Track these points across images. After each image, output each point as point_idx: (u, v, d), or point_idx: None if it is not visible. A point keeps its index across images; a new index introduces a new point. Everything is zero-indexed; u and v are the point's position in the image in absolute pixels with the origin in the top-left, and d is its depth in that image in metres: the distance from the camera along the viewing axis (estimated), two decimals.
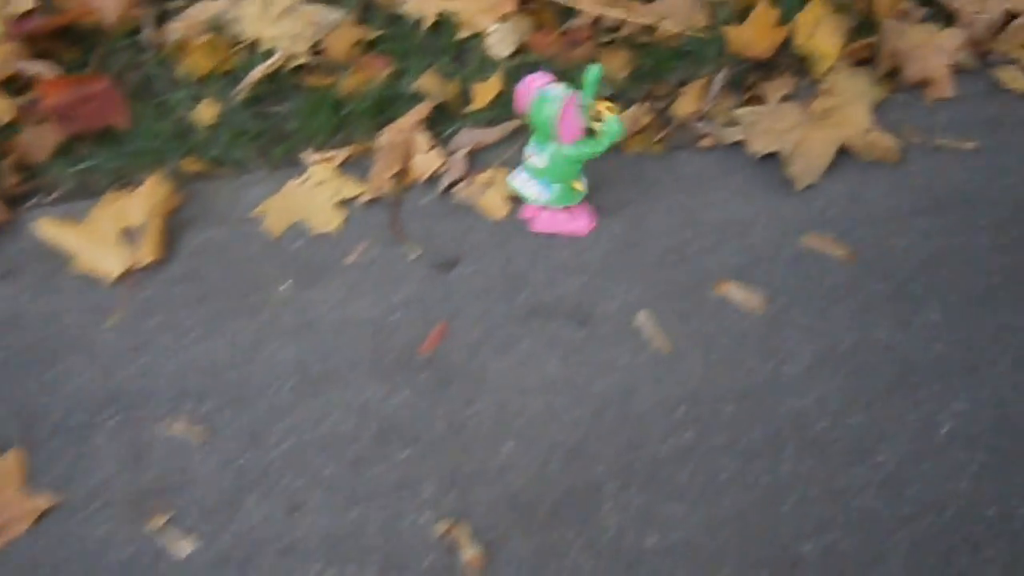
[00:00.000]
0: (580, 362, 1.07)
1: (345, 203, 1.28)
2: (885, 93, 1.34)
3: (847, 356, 1.03)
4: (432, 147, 1.31)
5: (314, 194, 1.30)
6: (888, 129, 1.26)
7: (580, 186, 1.18)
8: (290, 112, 1.39)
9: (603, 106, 1.11)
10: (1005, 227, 1.14)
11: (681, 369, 1.05)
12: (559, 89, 1.09)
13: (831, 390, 1.00)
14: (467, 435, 1.03)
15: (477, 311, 1.14)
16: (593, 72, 1.07)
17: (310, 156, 1.34)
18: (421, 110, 1.35)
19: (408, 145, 1.32)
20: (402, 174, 1.30)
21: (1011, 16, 1.37)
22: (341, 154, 1.34)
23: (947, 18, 1.40)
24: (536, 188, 1.18)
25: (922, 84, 1.33)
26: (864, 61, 1.39)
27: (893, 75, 1.35)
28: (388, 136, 1.33)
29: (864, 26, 1.41)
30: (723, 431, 0.99)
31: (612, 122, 1.10)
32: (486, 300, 1.15)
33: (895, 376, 1.01)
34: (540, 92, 1.10)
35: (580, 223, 1.21)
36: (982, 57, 1.36)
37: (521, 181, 1.19)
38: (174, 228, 1.24)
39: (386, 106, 1.38)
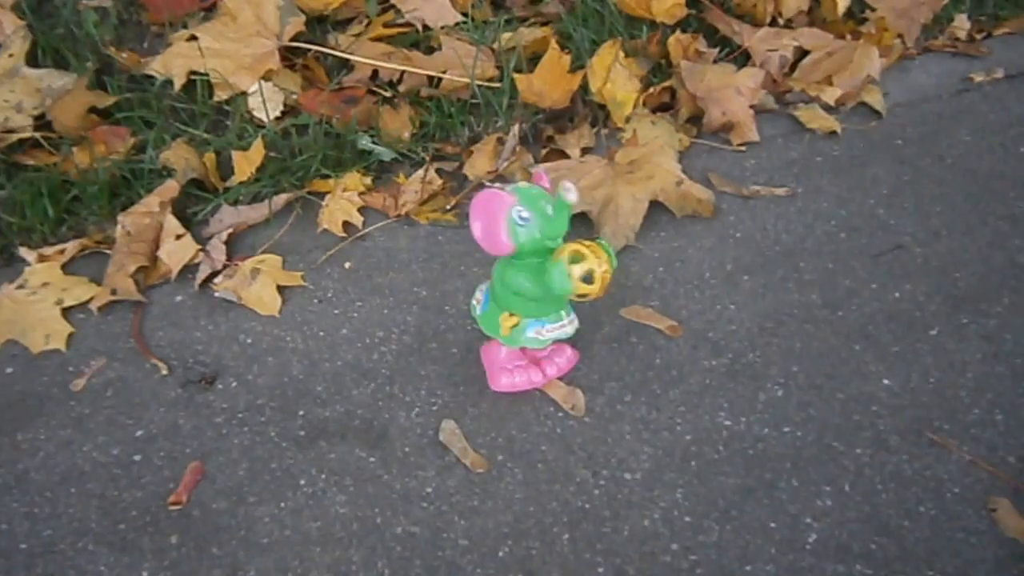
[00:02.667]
0: (375, 497, 0.77)
1: (74, 311, 0.93)
2: (689, 140, 1.13)
3: (690, 453, 0.79)
4: (183, 233, 0.98)
5: (33, 302, 0.93)
6: (698, 179, 1.06)
7: (507, 326, 0.78)
8: (5, 200, 1.01)
9: (578, 247, 0.72)
10: (833, 279, 0.96)
11: (501, 492, 0.77)
12: (521, 190, 0.73)
13: (678, 500, 0.76)
14: None
15: (243, 440, 0.81)
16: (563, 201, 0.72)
17: (29, 254, 0.97)
18: (169, 188, 1.01)
19: (154, 232, 0.98)
20: (147, 269, 0.96)
21: (803, 53, 1.23)
22: (69, 249, 0.97)
23: (741, 58, 1.24)
24: (482, 291, 0.82)
25: (726, 128, 1.14)
26: (664, 107, 1.18)
27: (695, 120, 1.17)
28: (128, 223, 0.98)
29: (659, 69, 1.22)
30: (559, 571, 0.71)
31: (556, 269, 0.72)
32: (254, 424, 0.83)
33: (747, 472, 0.78)
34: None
35: (493, 373, 0.84)
36: (780, 97, 1.20)
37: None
38: None
39: (125, 186, 1.03)
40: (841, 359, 0.87)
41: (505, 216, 0.72)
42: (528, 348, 0.82)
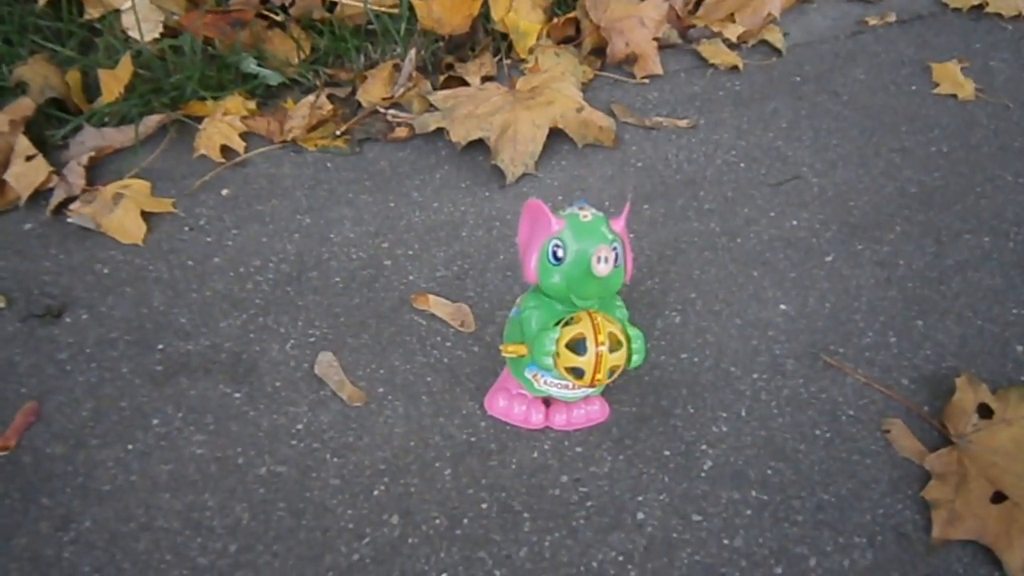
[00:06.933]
0: (238, 435, 0.63)
1: None
2: (593, 72, 1.01)
3: None
4: (35, 154, 0.80)
5: None
6: (601, 110, 0.93)
7: (514, 351, 0.57)
8: None
9: (587, 316, 0.53)
10: (732, 208, 0.85)
11: (379, 427, 0.64)
12: (574, 220, 0.53)
13: (569, 431, 0.65)
14: None
15: (90, 378, 0.66)
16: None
17: None
18: (22, 107, 0.83)
19: (1, 154, 0.81)
20: None
21: None
22: None
23: None
24: (516, 308, 0.60)
25: (629, 60, 1.02)
26: (570, 39, 1.06)
27: (600, 52, 1.04)
28: None
29: (564, 1, 1.08)
30: (439, 509, 0.60)
31: (548, 334, 0.53)
32: (104, 360, 0.67)
33: (642, 400, 0.67)
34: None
35: (495, 389, 0.64)
36: (684, 32, 1.08)
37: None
38: None
39: None
40: (739, 285, 0.77)
41: (541, 243, 0.53)
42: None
